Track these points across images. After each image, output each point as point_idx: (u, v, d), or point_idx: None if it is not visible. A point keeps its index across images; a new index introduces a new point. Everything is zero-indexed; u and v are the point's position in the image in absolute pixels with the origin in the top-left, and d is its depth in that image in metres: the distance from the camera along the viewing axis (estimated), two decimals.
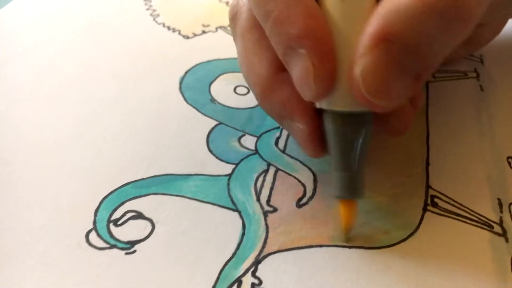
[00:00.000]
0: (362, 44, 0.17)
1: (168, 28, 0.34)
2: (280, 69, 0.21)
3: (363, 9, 0.18)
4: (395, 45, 0.17)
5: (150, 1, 0.36)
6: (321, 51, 0.18)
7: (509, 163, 0.24)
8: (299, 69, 0.18)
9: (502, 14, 0.29)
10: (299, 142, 0.22)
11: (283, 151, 0.25)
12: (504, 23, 0.31)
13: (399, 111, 0.20)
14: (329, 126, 0.20)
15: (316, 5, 0.19)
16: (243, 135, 0.26)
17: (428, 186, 0.24)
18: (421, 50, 0.17)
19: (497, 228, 0.22)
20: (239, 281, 0.20)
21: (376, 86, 0.17)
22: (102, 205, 0.22)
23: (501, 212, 0.22)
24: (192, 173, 0.24)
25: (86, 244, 0.21)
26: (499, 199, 0.23)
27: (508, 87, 0.29)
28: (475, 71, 0.31)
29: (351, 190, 0.21)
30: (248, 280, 0.20)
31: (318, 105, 0.20)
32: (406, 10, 0.16)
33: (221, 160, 0.25)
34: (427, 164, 0.25)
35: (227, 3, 0.37)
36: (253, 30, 0.22)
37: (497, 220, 0.22)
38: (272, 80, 0.21)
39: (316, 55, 0.18)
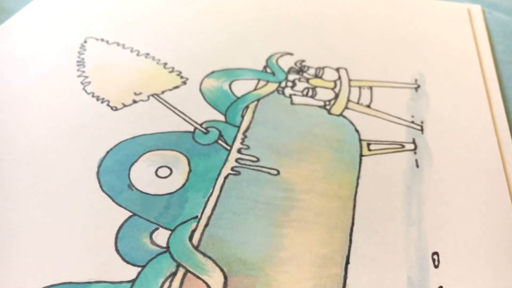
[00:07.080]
0: None
1: (97, 98, 0.32)
2: None
3: None
4: None
5: (84, 66, 0.35)
6: None
7: (433, 260, 0.23)
8: None
9: None
10: None
11: (197, 247, 0.24)
12: None
13: None
14: None
15: None
16: (157, 229, 0.25)
17: None
18: None
19: None
20: None
21: None
22: None
23: None
24: (93, 280, 0.22)
25: None
26: None
27: (443, 163, 0.28)
28: (414, 142, 0.29)
29: None
30: None
31: None
32: None
33: (127, 262, 0.23)
34: (347, 262, 0.23)
35: (164, 65, 0.36)
36: None
37: None
38: None
39: None
